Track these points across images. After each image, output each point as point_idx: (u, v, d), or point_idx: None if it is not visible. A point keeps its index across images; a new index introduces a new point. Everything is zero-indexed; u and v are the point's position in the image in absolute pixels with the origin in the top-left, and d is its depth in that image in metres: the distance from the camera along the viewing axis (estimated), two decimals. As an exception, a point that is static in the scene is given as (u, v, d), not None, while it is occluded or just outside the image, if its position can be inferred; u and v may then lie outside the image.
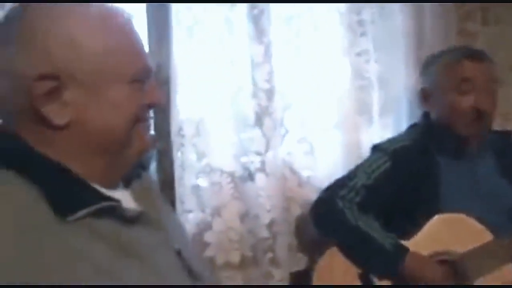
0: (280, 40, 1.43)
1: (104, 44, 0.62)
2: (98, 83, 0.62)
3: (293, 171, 1.44)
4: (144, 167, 0.80)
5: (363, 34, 1.53)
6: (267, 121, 1.36)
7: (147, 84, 0.67)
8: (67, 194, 0.60)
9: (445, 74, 1.26)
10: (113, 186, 0.69)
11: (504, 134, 1.37)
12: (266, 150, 1.36)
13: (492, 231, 1.21)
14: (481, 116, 1.22)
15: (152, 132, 1.39)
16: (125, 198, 0.68)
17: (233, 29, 1.35)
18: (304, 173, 1.46)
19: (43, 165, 0.61)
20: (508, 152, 1.34)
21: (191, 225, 1.28)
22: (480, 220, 1.21)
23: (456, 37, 1.68)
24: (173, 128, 1.29)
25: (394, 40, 1.60)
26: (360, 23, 1.53)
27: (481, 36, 1.75)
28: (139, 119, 0.66)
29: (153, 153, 1.47)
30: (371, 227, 1.19)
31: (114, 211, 0.62)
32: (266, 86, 1.37)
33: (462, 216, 1.21)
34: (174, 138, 1.28)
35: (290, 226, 1.41)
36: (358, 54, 1.53)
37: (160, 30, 1.38)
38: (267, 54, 1.38)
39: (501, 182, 1.30)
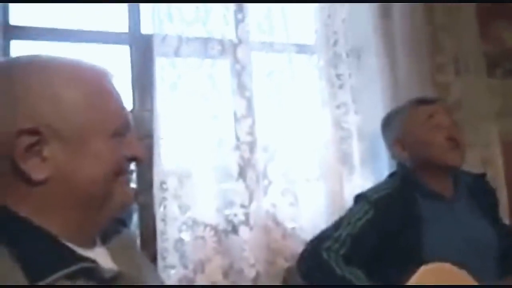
0: (262, 94, 1.46)
1: (86, 100, 0.63)
2: (79, 137, 0.62)
3: (277, 223, 1.42)
4: (123, 223, 0.78)
5: (341, 86, 1.57)
6: (250, 173, 1.36)
7: (127, 138, 0.68)
8: (38, 257, 0.57)
9: (411, 119, 1.32)
10: (89, 243, 0.67)
11: (478, 176, 1.40)
12: (250, 202, 1.34)
13: (476, 277, 1.19)
14: (456, 145, 1.27)
15: (134, 185, 1.40)
16: (102, 257, 0.66)
17: (216, 83, 1.38)
18: (289, 225, 1.44)
19: (16, 227, 0.59)
20: (484, 194, 1.36)
21: (173, 281, 1.23)
22: (464, 266, 1.19)
23: (430, 88, 1.74)
24: (156, 181, 1.27)
25: (371, 92, 1.65)
26: (338, 76, 1.58)
27: (454, 86, 1.81)
28: (120, 172, 0.66)
29: (134, 208, 1.45)
30: (357, 277, 1.17)
31: (91, 272, 0.60)
32: (249, 138, 1.37)
33: (447, 265, 1.19)
34: (156, 191, 1.26)
35: (276, 280, 1.37)
36: (338, 106, 1.56)
37: (144, 84, 1.40)
38: (249, 107, 1.40)
39: (480, 224, 1.30)
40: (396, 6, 1.69)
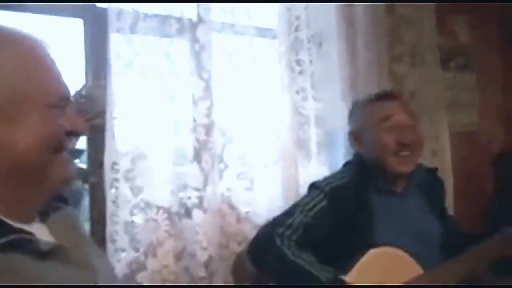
0: (221, 76, 1.41)
1: (19, 70, 0.60)
2: (12, 108, 0.59)
3: (231, 207, 1.39)
4: (65, 200, 0.75)
5: (301, 72, 1.55)
6: (205, 156, 1.32)
7: (66, 112, 0.65)
8: None
9: (368, 116, 1.31)
10: (27, 218, 0.64)
11: (430, 170, 1.42)
12: (204, 186, 1.31)
13: (420, 263, 1.23)
14: (406, 149, 1.26)
15: (84, 165, 1.33)
16: (40, 231, 0.63)
17: (173, 63, 1.32)
18: (243, 209, 1.41)
19: None
20: (433, 188, 1.39)
21: (122, 265, 1.19)
22: (410, 252, 1.22)
23: (387, 78, 1.75)
24: (107, 162, 1.21)
25: (331, 79, 1.64)
26: (299, 62, 1.55)
27: (409, 77, 1.83)
28: (57, 147, 0.63)
29: (85, 188, 1.38)
30: (309, 262, 1.17)
31: (27, 245, 0.58)
32: (205, 121, 1.33)
33: (393, 249, 1.22)
34: (107, 172, 1.20)
35: (228, 264, 1.35)
36: (297, 92, 1.54)
37: (98, 61, 1.32)
38: (207, 89, 1.35)
39: (427, 218, 1.33)
40: (358, -6, 1.67)
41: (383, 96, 1.33)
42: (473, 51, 2.11)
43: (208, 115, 1.34)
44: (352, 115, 1.39)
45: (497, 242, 1.22)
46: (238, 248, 1.39)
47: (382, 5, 1.75)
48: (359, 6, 1.69)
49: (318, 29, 1.64)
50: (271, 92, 1.50)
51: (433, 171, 1.43)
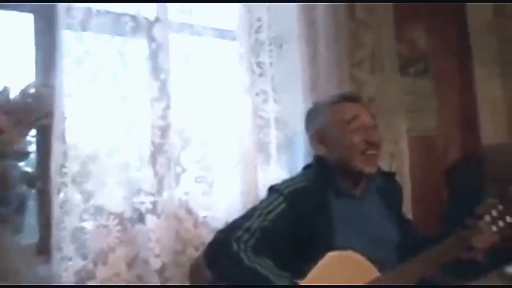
0: (178, 77, 1.36)
1: None
2: None
3: (189, 211, 1.34)
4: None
5: (261, 74, 1.52)
6: (161, 159, 1.26)
7: None
8: None
9: (333, 117, 1.29)
10: None
11: (388, 174, 1.42)
12: (159, 190, 1.25)
13: (378, 267, 1.21)
14: (372, 148, 1.26)
15: (29, 169, 1.25)
16: None
17: (127, 62, 1.26)
18: (201, 213, 1.37)
19: None
20: (391, 192, 1.38)
21: (69, 274, 1.11)
22: (368, 256, 1.21)
23: (348, 83, 1.75)
24: (54, 165, 1.13)
25: (292, 82, 1.62)
26: (259, 64, 1.52)
27: (369, 82, 1.84)
28: None
29: (30, 193, 1.29)
30: (265, 267, 1.13)
31: None
32: (161, 123, 1.27)
33: (351, 253, 1.20)
34: (54, 175, 1.13)
35: (184, 270, 1.30)
36: (257, 94, 1.51)
37: (48, 59, 1.24)
38: (163, 90, 1.30)
39: (385, 221, 1.33)
40: (321, -2, 1.67)
41: (347, 98, 1.31)
42: (431, 57, 2.15)
43: (164, 117, 1.28)
44: (313, 117, 1.35)
45: (451, 243, 1.22)
46: (195, 253, 1.33)
47: (343, 9, 1.75)
48: (320, 9, 1.68)
49: (279, 31, 1.62)
50: (231, 94, 1.46)
51: (391, 175, 1.43)
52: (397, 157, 1.85)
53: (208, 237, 1.32)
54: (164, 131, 1.29)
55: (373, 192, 1.35)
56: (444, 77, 2.17)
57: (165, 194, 1.28)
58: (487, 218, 1.22)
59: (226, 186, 1.40)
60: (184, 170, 1.35)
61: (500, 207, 1.23)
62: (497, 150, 1.98)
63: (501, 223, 1.22)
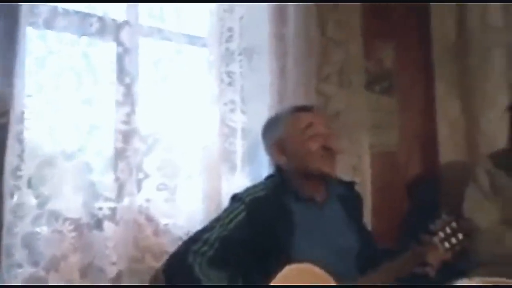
0: (145, 82, 1.33)
1: None
2: None
3: (149, 219, 1.31)
4: None
5: (230, 84, 1.52)
6: (122, 165, 1.23)
7: None
8: None
9: (290, 126, 1.31)
10: None
11: (348, 184, 1.44)
12: (119, 196, 1.22)
13: (336, 279, 1.22)
14: (331, 154, 1.28)
15: None
16: None
17: (92, 64, 1.22)
18: (162, 221, 1.34)
19: None
20: (352, 202, 1.40)
21: (19, 281, 1.06)
22: (326, 267, 1.22)
23: (314, 96, 1.77)
24: (8, 167, 1.08)
25: (260, 93, 1.62)
26: (228, 73, 1.52)
27: (336, 97, 1.87)
28: None
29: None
30: (216, 280, 1.12)
31: None
32: (124, 127, 1.24)
33: (310, 266, 1.21)
34: (8, 178, 1.07)
35: (142, 279, 1.26)
36: (225, 104, 1.50)
37: (9, 57, 1.18)
38: (128, 94, 1.27)
39: (345, 230, 1.34)
40: (291, 13, 1.68)
41: (302, 108, 1.36)
42: (396, 76, 2.20)
43: (127, 122, 1.25)
44: (270, 128, 1.37)
45: (407, 258, 1.25)
46: (154, 262, 1.30)
47: (314, 26, 1.77)
48: (291, 24, 1.69)
49: (250, 42, 1.62)
50: (198, 102, 1.44)
51: (351, 184, 1.45)
52: (359, 171, 1.87)
53: (168, 245, 1.29)
54: (127, 136, 1.26)
55: (334, 199, 1.36)
56: (408, 95, 2.22)
57: (126, 201, 1.24)
58: (441, 234, 1.25)
59: (189, 194, 1.38)
60: (146, 177, 1.32)
61: (454, 224, 1.27)
62: (453, 168, 2.06)
63: (453, 240, 1.26)
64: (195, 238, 1.19)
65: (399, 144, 2.16)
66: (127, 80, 1.27)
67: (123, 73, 1.27)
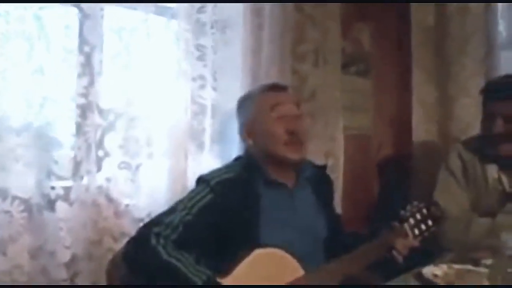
0: (108, 52, 1.22)
1: None
2: None
3: (109, 199, 1.22)
4: None
5: (201, 58, 1.41)
6: (79, 142, 1.12)
7: None
8: None
9: (257, 106, 1.24)
10: None
11: (319, 168, 1.39)
12: (75, 175, 1.12)
13: (305, 265, 1.18)
14: (295, 137, 1.21)
15: None
16: None
17: (46, 30, 1.10)
18: (123, 202, 1.25)
19: None
20: (322, 185, 1.35)
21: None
22: (294, 253, 1.17)
23: (289, 75, 1.69)
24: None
25: (233, 70, 1.52)
26: (199, 47, 1.41)
27: (311, 77, 1.79)
28: None
29: None
30: (184, 262, 1.05)
31: None
32: (82, 101, 1.13)
33: (277, 250, 1.16)
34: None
35: (99, 264, 1.18)
36: (194, 79, 1.40)
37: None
38: (88, 65, 1.16)
39: (314, 214, 1.29)
40: (269, -13, 1.58)
41: (271, 87, 1.28)
42: (373, 58, 2.15)
43: (85, 95, 1.14)
44: (242, 107, 1.29)
45: (376, 244, 1.21)
46: (113, 244, 1.22)
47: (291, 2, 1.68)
48: (268, -1, 1.59)
49: (223, 15, 1.51)
50: (165, 76, 1.34)
51: (322, 168, 1.40)
52: (332, 154, 1.82)
53: (129, 227, 1.21)
54: (85, 110, 1.15)
55: (304, 183, 1.31)
56: (384, 79, 2.17)
57: (84, 180, 1.14)
58: (411, 221, 1.22)
59: (152, 173, 1.29)
60: (106, 155, 1.22)
61: (424, 211, 1.24)
62: (426, 149, 2.04)
63: (423, 227, 1.23)
64: (157, 221, 1.12)
65: (373, 127, 2.12)
66: (87, 49, 1.16)
67: (83, 41, 1.15)
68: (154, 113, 1.31)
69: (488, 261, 1.25)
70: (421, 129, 2.04)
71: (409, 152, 2.07)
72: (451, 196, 1.48)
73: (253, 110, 1.24)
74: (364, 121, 2.09)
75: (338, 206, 1.74)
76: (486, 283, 1.05)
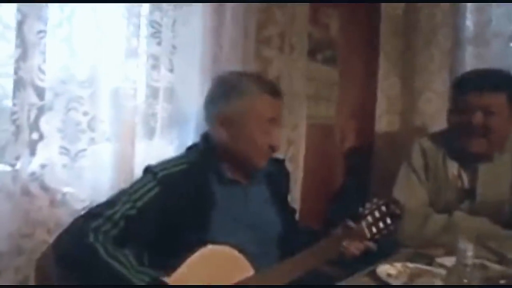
0: (44, 23, 1.06)
1: None
2: None
3: (44, 188, 1.09)
4: None
5: (154, 36, 1.28)
6: (5, 124, 0.98)
7: None
8: None
9: (250, 108, 1.10)
10: None
11: (277, 161, 1.30)
12: (1, 161, 0.98)
13: (256, 264, 1.10)
14: (273, 152, 1.15)
15: None
16: None
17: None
18: (60, 191, 1.12)
19: None
20: (279, 180, 1.27)
21: None
22: (245, 252, 1.09)
23: (253, 60, 1.58)
24: None
25: (191, 51, 1.40)
26: (153, 24, 1.28)
27: (275, 62, 1.69)
28: None
29: None
30: (124, 263, 0.95)
31: None
32: (13, 76, 0.99)
33: (227, 248, 1.07)
34: None
35: (29, 258, 1.05)
36: (146, 58, 1.27)
37: None
38: (20, 35, 1.00)
39: (270, 210, 1.22)
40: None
41: (273, 92, 1.13)
42: (340, 46, 2.07)
43: (16, 69, 0.99)
44: (222, 94, 1.14)
45: (330, 243, 1.15)
46: (47, 237, 1.09)
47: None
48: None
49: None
50: (112, 53, 1.20)
51: (280, 162, 1.31)
52: (294, 144, 1.74)
53: (66, 219, 1.09)
54: (17, 87, 1.00)
55: (260, 179, 1.23)
56: (350, 68, 2.11)
57: (19, 165, 1.01)
58: (370, 219, 1.17)
59: (94, 160, 1.16)
60: (42, 138, 1.08)
61: (384, 208, 1.19)
62: (388, 142, 2.00)
63: (381, 225, 1.18)
64: (96, 213, 0.99)
65: (337, 117, 2.06)
66: (19, 16, 1.00)
67: (17, 8, 1.00)
68: (98, 93, 1.17)
69: (443, 260, 1.23)
70: (384, 121, 1.99)
71: (372, 144, 2.03)
72: (411, 192, 1.44)
73: (241, 106, 1.10)
74: (328, 111, 2.02)
75: (297, 198, 1.68)
76: (440, 283, 1.01)
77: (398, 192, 1.42)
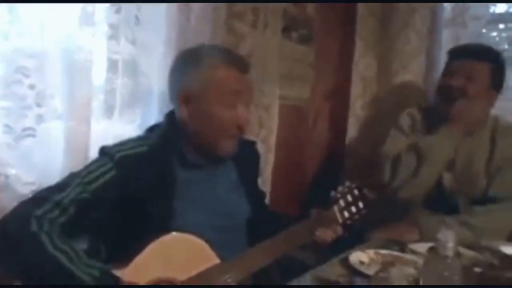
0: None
1: None
2: None
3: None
4: None
5: (113, 4, 1.15)
6: None
7: None
8: None
9: (213, 80, 1.00)
10: None
11: (248, 142, 1.21)
12: None
13: (220, 252, 1.02)
14: (241, 133, 1.05)
15: None
16: None
17: None
18: (4, 173, 1.00)
19: None
20: (249, 162, 1.19)
21: None
22: (209, 240, 1.01)
23: (224, 34, 1.47)
24: None
25: (156, 23, 1.27)
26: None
27: (248, 38, 1.58)
28: None
29: None
30: (71, 256, 0.84)
31: None
32: None
33: (188, 236, 0.98)
34: None
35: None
36: (102, 28, 1.14)
37: None
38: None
39: (239, 195, 1.14)
40: None
41: (238, 64, 1.02)
42: (317, 26, 1.98)
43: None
44: (183, 67, 1.03)
45: (301, 229, 1.08)
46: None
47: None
48: None
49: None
50: (64, 20, 1.06)
51: (251, 144, 1.23)
52: (265, 125, 1.66)
53: (10, 203, 0.97)
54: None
55: (228, 163, 1.14)
56: (325, 48, 2.02)
57: None
58: (342, 203, 1.12)
59: (43, 140, 1.04)
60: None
61: (356, 192, 1.14)
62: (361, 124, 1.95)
63: (353, 209, 1.13)
64: (42, 198, 0.88)
65: (310, 99, 1.98)
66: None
67: None
68: (48, 65, 1.03)
69: (416, 247, 1.20)
70: (358, 105, 1.93)
71: (344, 128, 1.96)
72: (393, 141, 1.48)
73: (203, 79, 1.00)
74: (302, 92, 1.94)
75: (267, 181, 1.60)
76: (413, 271, 0.97)
77: (386, 149, 1.45)
